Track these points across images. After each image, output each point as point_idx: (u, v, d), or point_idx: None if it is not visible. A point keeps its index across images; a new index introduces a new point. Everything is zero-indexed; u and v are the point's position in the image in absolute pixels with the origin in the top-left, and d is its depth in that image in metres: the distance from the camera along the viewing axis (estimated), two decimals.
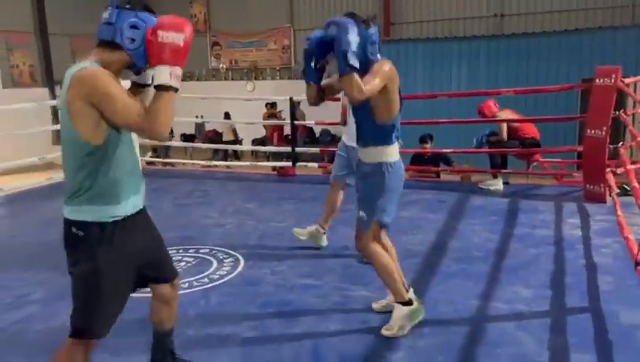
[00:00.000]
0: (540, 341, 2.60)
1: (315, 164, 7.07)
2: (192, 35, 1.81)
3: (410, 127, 7.43)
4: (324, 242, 4.00)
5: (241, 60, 15.74)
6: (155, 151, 12.89)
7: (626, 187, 4.91)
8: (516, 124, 5.89)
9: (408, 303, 2.70)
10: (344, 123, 3.90)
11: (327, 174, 6.81)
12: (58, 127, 9.50)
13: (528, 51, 10.50)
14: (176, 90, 1.78)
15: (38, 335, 2.77)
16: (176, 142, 12.39)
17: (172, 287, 2.16)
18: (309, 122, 11.26)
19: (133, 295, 2.03)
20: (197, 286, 3.33)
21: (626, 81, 5.16)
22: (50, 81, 14.47)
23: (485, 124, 6.29)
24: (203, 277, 3.47)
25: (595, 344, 2.56)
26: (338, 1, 14.90)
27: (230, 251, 3.93)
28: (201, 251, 3.96)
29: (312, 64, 2.54)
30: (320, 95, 2.64)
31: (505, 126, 5.82)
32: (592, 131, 5.04)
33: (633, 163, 5.16)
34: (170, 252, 3.92)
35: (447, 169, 6.81)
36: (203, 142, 12.88)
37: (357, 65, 2.32)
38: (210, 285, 3.36)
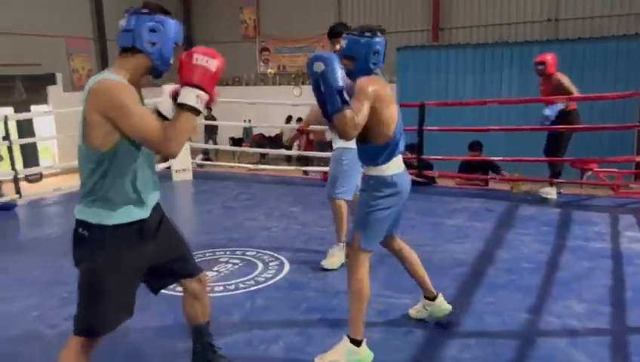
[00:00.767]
0: (595, 359, 2.49)
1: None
2: (223, 66, 1.85)
3: (458, 133, 7.34)
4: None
5: (289, 65, 15.91)
6: (207, 153, 13.19)
7: None
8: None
9: (357, 343, 2.48)
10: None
11: None
12: None
13: (584, 57, 10.14)
14: (198, 112, 1.81)
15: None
16: (224, 146, 12.62)
17: (199, 283, 2.20)
18: None
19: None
20: (242, 289, 3.38)
21: None
22: None
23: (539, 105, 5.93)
24: (249, 280, 3.51)
25: None
26: (387, 5, 14.86)
27: (275, 254, 3.97)
28: (248, 253, 4.01)
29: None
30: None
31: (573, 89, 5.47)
32: None
33: None
34: (217, 253, 4.04)
35: (495, 177, 6.65)
36: (250, 146, 13.08)
37: (348, 99, 2.24)
38: (256, 287, 3.40)
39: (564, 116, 5.45)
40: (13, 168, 5.74)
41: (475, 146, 6.71)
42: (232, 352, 2.50)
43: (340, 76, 2.22)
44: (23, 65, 12.62)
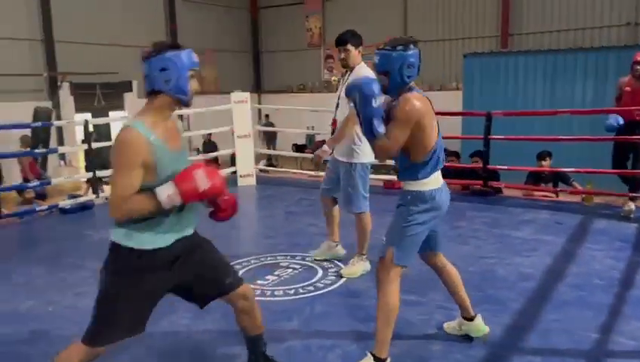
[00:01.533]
0: None
1: None
2: (212, 191, 1.94)
3: (526, 143, 7.09)
4: (342, 251, 3.99)
5: None
6: (270, 159, 13.48)
7: None
8: None
9: (382, 361, 2.46)
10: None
11: None
12: (190, 133, 10.14)
13: None
14: (160, 206, 1.89)
15: (186, 344, 2.96)
16: (286, 152, 12.83)
17: (245, 299, 2.23)
18: None
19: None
20: (302, 294, 3.42)
21: None
22: None
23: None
24: (309, 285, 3.55)
25: None
26: (453, 11, 14.62)
27: (335, 261, 3.99)
28: (308, 259, 4.05)
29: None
30: None
31: None
32: None
33: None
34: (278, 258, 4.10)
35: (566, 189, 6.37)
36: (312, 153, 13.21)
37: (382, 130, 2.31)
38: (316, 293, 3.43)
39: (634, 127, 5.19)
40: (92, 170, 6.09)
41: (544, 156, 6.46)
42: (290, 358, 2.54)
43: (374, 103, 2.28)
44: (103, 73, 13.41)
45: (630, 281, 3.55)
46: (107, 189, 6.08)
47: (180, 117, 14.74)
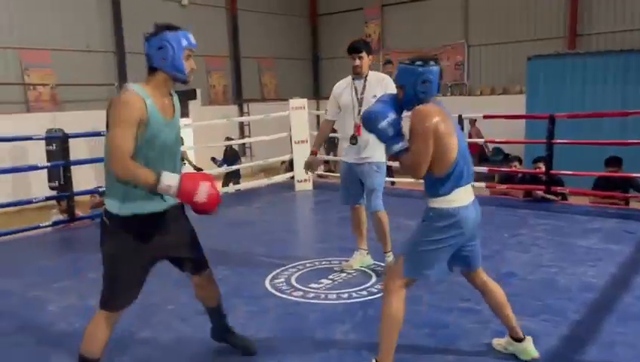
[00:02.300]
0: None
1: (483, 184, 6.80)
2: (203, 209, 2.12)
3: (594, 148, 6.79)
4: (370, 260, 4.00)
5: None
6: (327, 163, 13.55)
7: None
8: None
9: None
10: (355, 142, 3.75)
11: (494, 195, 6.53)
12: (245, 140, 10.58)
13: None
14: (153, 188, 2.07)
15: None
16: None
17: (201, 277, 2.53)
18: (478, 140, 10.88)
19: None
20: (356, 298, 3.44)
21: None
22: (240, 99, 16.12)
23: None
24: (362, 290, 3.57)
25: None
26: (517, 12, 14.21)
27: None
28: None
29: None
30: None
31: None
32: None
33: None
34: (332, 262, 4.14)
35: (638, 196, 6.04)
36: None
37: (399, 147, 2.35)
38: (369, 298, 3.44)
39: None
40: None
41: (614, 162, 6.17)
42: (342, 361, 2.55)
43: (387, 127, 2.34)
44: None
45: None
46: None
47: (241, 124, 15.22)
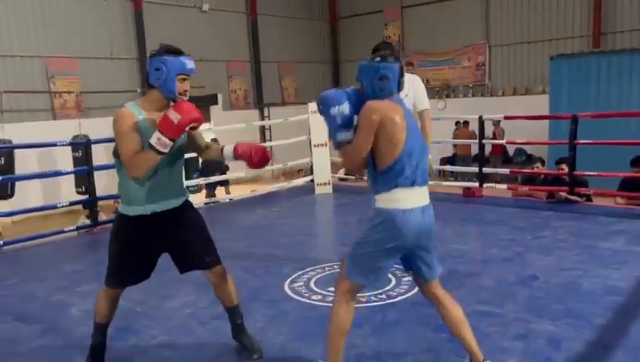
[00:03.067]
0: None
1: (504, 186, 6.70)
2: (190, 120, 2.30)
3: (619, 148, 6.65)
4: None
5: (432, 79, 15.71)
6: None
7: None
8: None
9: None
10: None
11: (517, 196, 6.43)
12: (266, 145, 10.54)
13: None
14: (157, 151, 2.29)
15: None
16: None
17: (212, 275, 2.64)
18: (499, 141, 10.77)
19: None
20: (375, 301, 3.43)
21: None
22: (260, 103, 16.22)
23: None
24: (381, 293, 3.55)
25: None
26: (539, 12, 14.02)
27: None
28: None
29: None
30: None
31: None
32: None
33: None
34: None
35: None
36: None
37: (343, 137, 2.32)
38: (388, 301, 3.42)
39: None
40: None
41: (639, 162, 6.03)
42: None
43: (332, 111, 2.31)
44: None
45: None
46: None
47: (262, 128, 15.31)
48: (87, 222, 6.08)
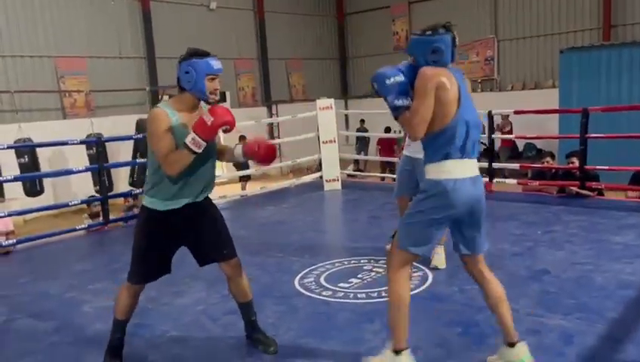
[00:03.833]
0: None
1: (514, 181, 6.67)
2: (222, 123, 2.40)
3: (630, 142, 6.60)
4: (443, 264, 3.88)
5: None
6: (357, 163, 13.56)
7: None
8: None
9: (397, 352, 2.41)
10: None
11: (527, 191, 6.40)
12: (279, 140, 10.58)
13: None
14: (191, 151, 2.39)
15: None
16: (371, 157, 12.81)
17: (229, 267, 2.70)
18: (508, 136, 10.69)
19: None
20: (385, 297, 3.39)
21: None
22: (268, 101, 16.24)
23: None
24: None
25: None
26: (548, 6, 13.91)
27: (419, 265, 3.94)
28: None
29: None
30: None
31: None
32: None
33: None
34: (361, 261, 4.14)
35: None
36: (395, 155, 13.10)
37: (401, 103, 2.31)
38: None
39: None
40: None
41: None
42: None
43: (387, 81, 2.30)
44: None
45: None
46: None
47: (271, 125, 15.34)
48: (90, 221, 6.15)
